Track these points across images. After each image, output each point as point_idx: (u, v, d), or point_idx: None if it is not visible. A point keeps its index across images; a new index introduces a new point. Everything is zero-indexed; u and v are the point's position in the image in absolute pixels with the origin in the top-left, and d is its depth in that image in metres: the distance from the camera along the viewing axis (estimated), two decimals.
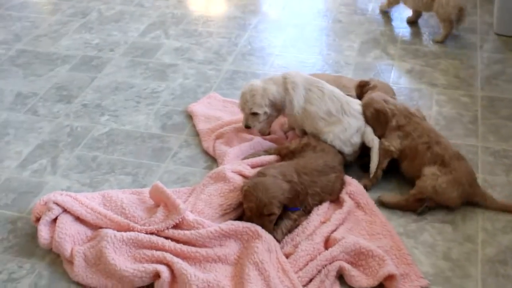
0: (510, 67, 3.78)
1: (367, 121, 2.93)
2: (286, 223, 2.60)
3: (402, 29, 4.27)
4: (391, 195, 2.80)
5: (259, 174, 2.66)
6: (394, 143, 2.84)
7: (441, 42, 4.06)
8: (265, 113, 2.99)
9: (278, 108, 3.01)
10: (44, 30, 4.40)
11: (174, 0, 4.78)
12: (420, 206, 2.69)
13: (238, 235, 2.51)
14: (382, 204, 2.75)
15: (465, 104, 3.45)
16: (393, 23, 4.36)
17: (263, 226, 2.54)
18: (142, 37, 4.28)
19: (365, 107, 2.95)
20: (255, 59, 3.96)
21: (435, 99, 3.49)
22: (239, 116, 3.29)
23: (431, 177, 2.68)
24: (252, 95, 2.97)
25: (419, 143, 2.79)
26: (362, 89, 3.19)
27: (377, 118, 2.90)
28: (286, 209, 2.60)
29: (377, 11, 4.51)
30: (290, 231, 2.61)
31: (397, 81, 3.66)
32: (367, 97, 3.02)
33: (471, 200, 2.72)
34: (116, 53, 4.07)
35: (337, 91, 3.01)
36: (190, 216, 2.59)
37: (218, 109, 3.44)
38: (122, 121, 3.41)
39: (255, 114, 2.99)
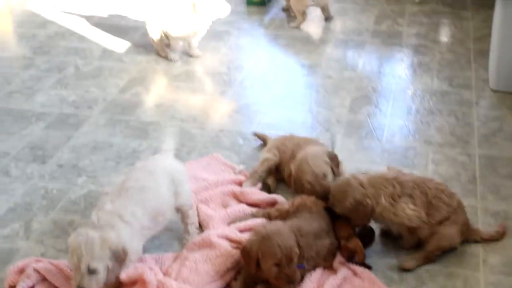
0: (508, 125, 3.90)
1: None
2: None
3: (394, 85, 4.41)
4: (409, 258, 2.86)
5: (258, 231, 2.65)
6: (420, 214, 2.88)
7: (296, 27, 5.31)
8: (106, 267, 2.55)
9: (121, 259, 2.60)
10: (17, 86, 4.48)
11: (155, 54, 4.90)
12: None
13: None
14: (406, 270, 2.82)
15: (462, 163, 3.55)
16: (385, 79, 4.50)
17: (293, 276, 2.55)
18: (122, 93, 4.37)
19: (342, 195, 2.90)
20: (241, 117, 4.06)
21: (431, 158, 3.59)
22: (225, 177, 3.36)
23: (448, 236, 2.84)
24: (89, 246, 2.52)
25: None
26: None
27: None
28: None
29: (368, 66, 4.66)
30: None
31: (391, 139, 3.76)
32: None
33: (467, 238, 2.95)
34: (94, 111, 4.15)
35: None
36: (174, 285, 2.60)
37: (213, 172, 3.48)
38: (100, 183, 3.45)
39: (93, 271, 2.51)
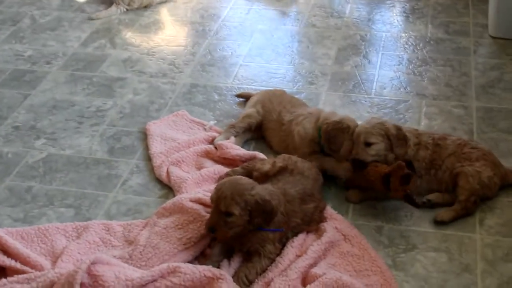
0: (508, 74, 3.90)
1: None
2: (263, 264, 2.59)
3: (385, 33, 4.37)
4: (445, 210, 2.88)
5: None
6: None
7: None
8: None
9: None
10: None
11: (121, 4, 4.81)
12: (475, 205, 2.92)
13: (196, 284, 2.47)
14: (441, 223, 2.86)
15: (458, 117, 3.54)
16: (374, 27, 4.46)
17: (216, 226, 2.53)
18: (84, 47, 4.31)
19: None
20: (217, 70, 4.02)
21: (424, 112, 3.57)
22: (198, 136, 3.33)
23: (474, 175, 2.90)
24: None
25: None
26: None
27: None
28: (261, 229, 2.60)
29: (356, 13, 4.61)
30: (264, 271, 2.61)
31: (380, 92, 3.74)
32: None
33: (504, 182, 3.02)
34: (54, 66, 4.10)
35: None
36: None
37: (181, 130, 3.46)
38: (61, 145, 3.41)
39: None
